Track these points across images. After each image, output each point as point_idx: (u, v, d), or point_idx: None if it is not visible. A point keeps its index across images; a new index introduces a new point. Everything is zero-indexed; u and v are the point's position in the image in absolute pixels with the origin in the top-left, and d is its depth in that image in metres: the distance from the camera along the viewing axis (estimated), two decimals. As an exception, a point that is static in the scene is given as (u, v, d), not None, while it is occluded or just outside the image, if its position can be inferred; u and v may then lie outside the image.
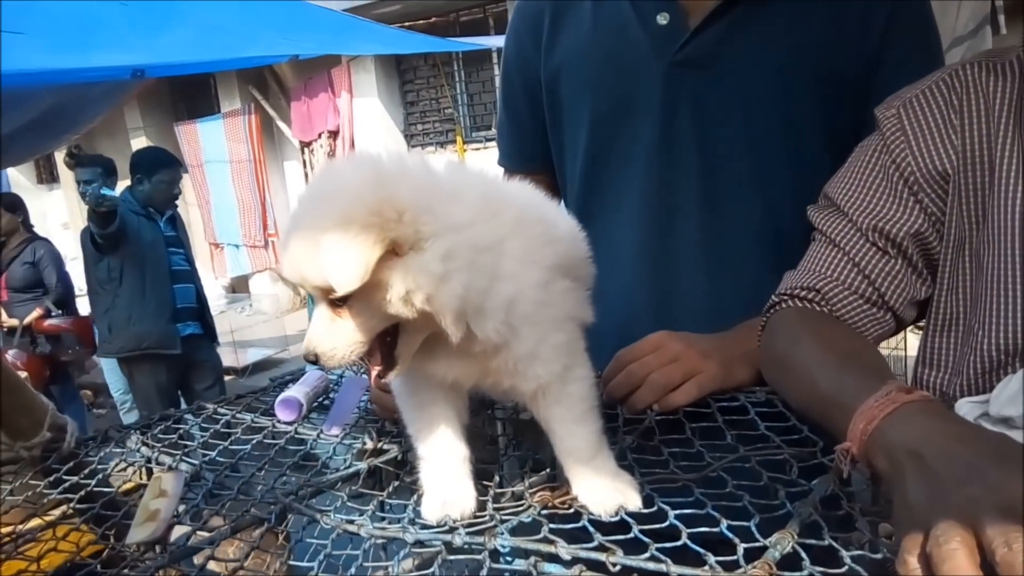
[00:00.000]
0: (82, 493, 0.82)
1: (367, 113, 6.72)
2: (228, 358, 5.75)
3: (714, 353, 0.91)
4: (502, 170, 1.22)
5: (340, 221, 0.56)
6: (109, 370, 4.00)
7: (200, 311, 3.84)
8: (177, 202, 3.88)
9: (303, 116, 7.09)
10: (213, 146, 7.39)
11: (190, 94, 8.28)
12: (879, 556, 0.51)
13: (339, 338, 0.61)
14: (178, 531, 0.73)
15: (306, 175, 7.39)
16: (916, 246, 0.81)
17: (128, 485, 0.90)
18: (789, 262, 0.92)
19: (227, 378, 5.24)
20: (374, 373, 0.65)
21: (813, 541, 0.53)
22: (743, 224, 0.99)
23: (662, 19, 0.97)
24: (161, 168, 3.67)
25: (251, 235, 7.44)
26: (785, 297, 0.88)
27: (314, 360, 0.62)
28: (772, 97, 0.96)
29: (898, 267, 0.82)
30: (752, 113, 0.97)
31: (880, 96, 0.91)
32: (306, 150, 7.28)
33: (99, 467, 0.89)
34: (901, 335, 2.70)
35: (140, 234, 3.56)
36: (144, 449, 0.91)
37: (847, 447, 0.60)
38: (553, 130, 1.12)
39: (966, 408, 0.73)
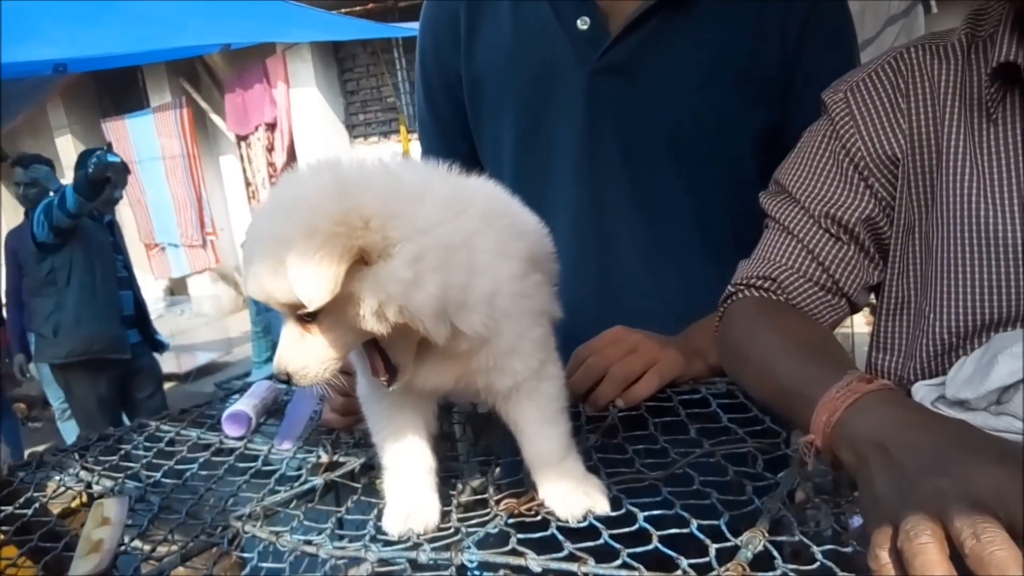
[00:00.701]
0: (18, 524, 0.77)
1: (305, 104, 6.56)
2: (169, 363, 5.57)
3: (671, 343, 0.92)
4: None
5: (304, 234, 0.53)
6: (48, 381, 3.83)
7: (139, 318, 3.71)
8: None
9: (238, 108, 6.89)
10: (144, 142, 7.12)
11: (117, 89, 7.95)
12: (848, 550, 0.51)
13: (311, 356, 0.59)
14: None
15: (243, 169, 7.19)
16: (868, 231, 0.82)
17: (66, 507, 0.86)
18: (723, 257, 0.95)
19: (169, 384, 5.10)
20: (380, 382, 0.63)
21: (784, 538, 0.53)
22: (675, 224, 1.00)
23: (582, 24, 0.97)
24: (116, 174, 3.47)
25: (188, 234, 7.22)
26: (741, 287, 0.88)
27: (286, 380, 0.60)
28: (694, 101, 0.97)
29: (851, 253, 0.83)
30: (675, 117, 0.97)
31: (799, 96, 0.96)
32: (243, 144, 7.08)
33: (36, 494, 0.83)
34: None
35: (89, 233, 3.42)
36: (83, 473, 0.86)
37: (811, 439, 0.60)
38: (477, 131, 1.10)
39: (923, 392, 0.74)
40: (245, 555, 0.66)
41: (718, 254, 0.98)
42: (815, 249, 0.83)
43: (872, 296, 0.87)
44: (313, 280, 0.53)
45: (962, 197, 0.74)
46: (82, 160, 3.15)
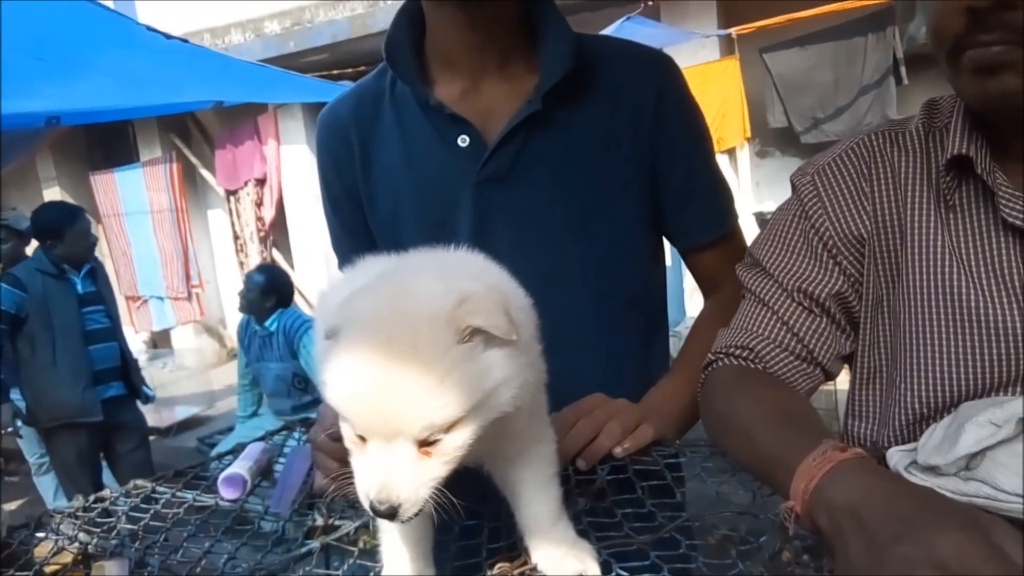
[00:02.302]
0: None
1: (295, 160, 6.66)
2: (151, 417, 5.48)
3: (649, 409, 1.00)
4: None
5: (461, 331, 0.56)
6: (24, 436, 3.78)
7: (124, 370, 3.66)
8: (96, 254, 3.73)
9: (228, 164, 6.97)
10: (132, 196, 7.15)
11: (107, 142, 8.02)
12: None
13: (424, 480, 0.55)
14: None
15: (232, 223, 7.23)
16: (838, 305, 0.87)
17: (60, 568, 0.86)
18: (619, 320, 1.10)
19: (151, 439, 5.02)
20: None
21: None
22: (572, 300, 1.08)
23: (462, 142, 1.07)
24: (69, 224, 3.49)
25: (174, 286, 7.20)
26: (720, 355, 0.92)
27: (391, 513, 0.55)
28: (569, 196, 1.08)
29: (823, 325, 0.88)
30: (556, 212, 1.08)
31: (662, 176, 1.09)
32: (231, 198, 7.13)
33: (34, 559, 0.84)
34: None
35: (46, 300, 3.38)
36: (82, 535, 0.87)
37: (791, 506, 0.63)
38: (380, 242, 1.17)
39: (896, 457, 0.78)
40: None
41: (614, 318, 1.10)
42: (789, 321, 0.88)
43: (843, 366, 0.92)
44: (502, 319, 0.56)
45: (934, 273, 0.79)
46: None
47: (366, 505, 0.56)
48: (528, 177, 1.07)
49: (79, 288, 3.53)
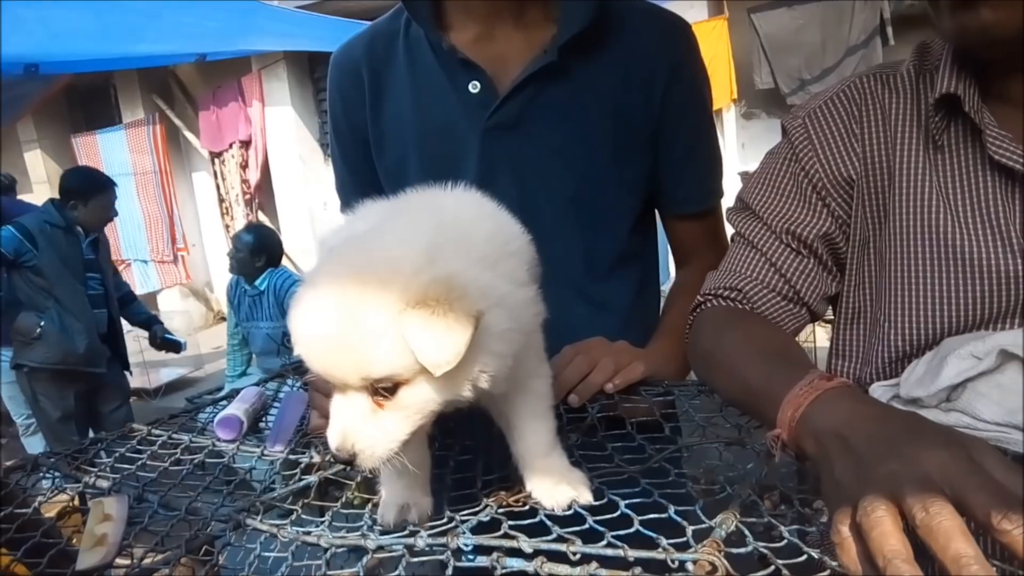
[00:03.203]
0: (17, 524, 0.79)
1: (280, 122, 6.58)
2: (139, 379, 5.50)
3: (644, 352, 1.02)
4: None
5: (415, 300, 0.54)
6: (9, 397, 3.78)
7: (112, 337, 3.70)
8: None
9: (212, 126, 6.88)
10: (115, 158, 7.07)
11: (88, 104, 7.89)
12: (813, 529, 0.56)
13: (381, 434, 0.57)
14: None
15: (217, 186, 7.16)
16: (825, 246, 0.88)
17: (63, 507, 0.87)
18: (605, 276, 1.12)
19: (137, 401, 5.03)
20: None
21: (754, 519, 0.58)
22: (564, 251, 1.10)
23: (473, 88, 1.07)
24: (97, 192, 3.53)
25: (159, 250, 7.16)
26: (709, 296, 0.94)
27: (349, 460, 0.57)
28: (576, 149, 1.09)
29: (810, 266, 0.89)
30: (560, 164, 1.09)
31: (667, 143, 1.11)
32: (216, 160, 7.06)
33: (31, 496, 0.85)
34: (810, 329, 2.88)
35: (56, 248, 3.40)
36: (79, 474, 0.88)
37: (777, 433, 0.65)
38: (385, 185, 1.18)
39: (879, 392, 0.80)
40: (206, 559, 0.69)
41: (608, 269, 1.13)
42: (777, 262, 0.90)
43: (830, 307, 0.94)
44: (442, 345, 0.53)
45: (921, 213, 0.80)
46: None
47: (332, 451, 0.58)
48: (536, 128, 1.07)
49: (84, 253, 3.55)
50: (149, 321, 4.14)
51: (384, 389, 0.56)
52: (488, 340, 0.58)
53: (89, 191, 3.51)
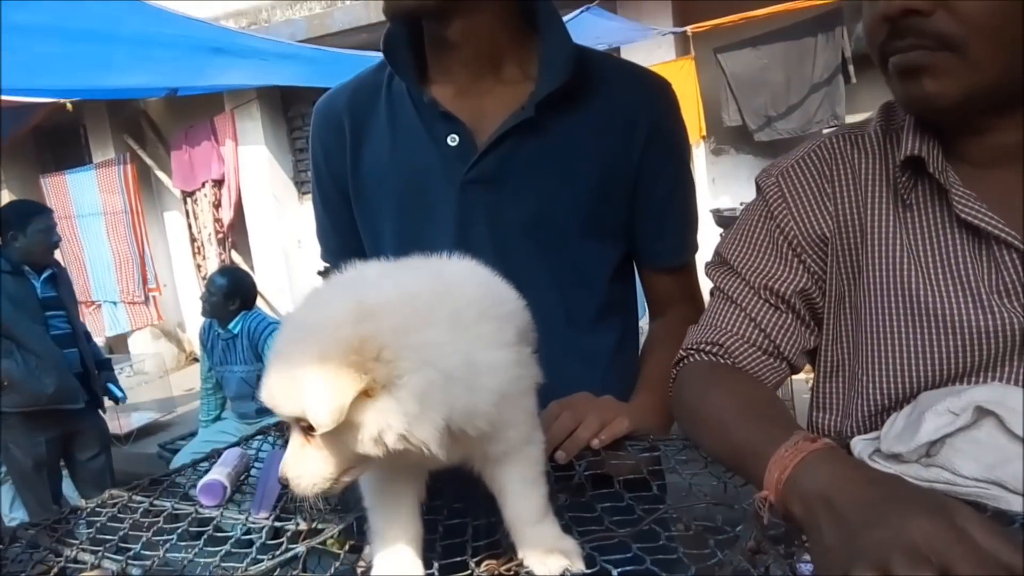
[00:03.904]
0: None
1: (254, 161, 6.57)
2: (110, 424, 5.36)
3: (629, 406, 1.04)
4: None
5: (320, 356, 0.57)
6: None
7: (84, 377, 3.59)
8: (58, 258, 3.65)
9: (184, 165, 6.84)
10: (84, 198, 6.99)
11: (58, 144, 7.82)
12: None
13: (307, 467, 0.62)
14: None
15: (189, 225, 7.10)
16: (803, 301, 0.91)
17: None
18: (585, 327, 1.12)
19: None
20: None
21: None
22: (543, 304, 1.08)
23: (452, 141, 1.08)
24: (32, 218, 3.42)
25: (129, 290, 7.05)
26: (691, 351, 0.95)
27: (285, 484, 0.63)
28: (553, 204, 1.09)
29: (789, 320, 0.91)
30: (538, 218, 1.10)
31: (645, 196, 1.12)
32: (188, 200, 7.01)
33: (12, 571, 0.83)
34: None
35: (8, 296, 3.30)
36: (59, 547, 0.86)
37: (765, 495, 0.66)
38: (363, 234, 1.20)
39: (860, 446, 0.81)
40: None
41: (590, 323, 1.14)
42: (757, 317, 0.91)
43: (808, 360, 0.96)
44: (323, 405, 0.56)
45: (892, 270, 0.83)
46: None
47: None
48: (514, 182, 1.08)
49: (38, 292, 3.46)
50: (102, 364, 4.03)
51: (305, 428, 0.61)
52: (409, 402, 0.58)
53: (24, 218, 3.42)
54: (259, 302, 6.67)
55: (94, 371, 3.72)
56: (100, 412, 3.78)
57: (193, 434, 4.37)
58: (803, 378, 4.27)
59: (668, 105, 1.15)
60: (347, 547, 0.80)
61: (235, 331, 3.75)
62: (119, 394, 3.99)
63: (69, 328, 3.57)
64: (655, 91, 1.14)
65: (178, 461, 3.41)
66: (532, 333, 0.79)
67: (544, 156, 1.08)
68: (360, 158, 1.15)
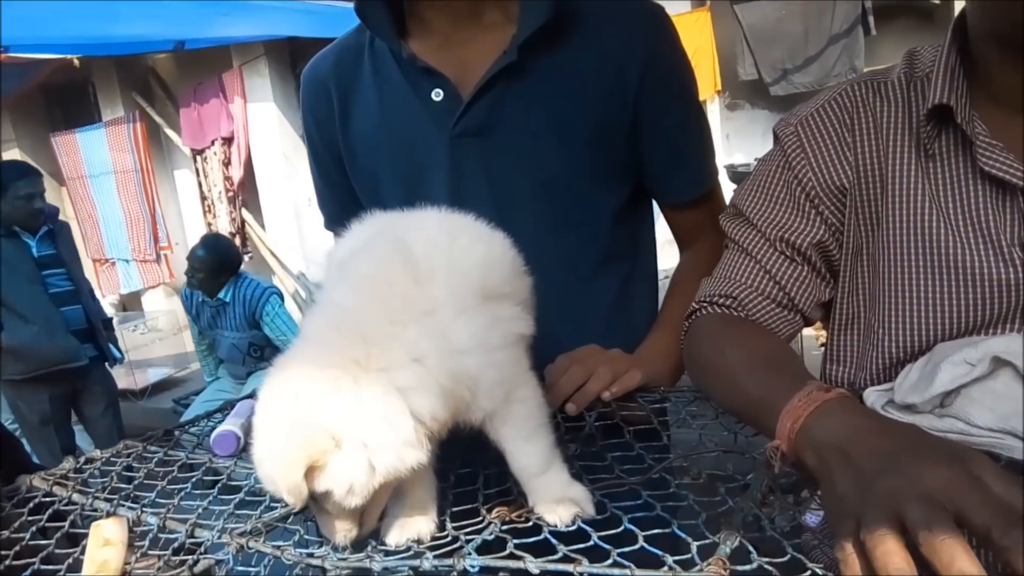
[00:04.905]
0: (16, 549, 0.78)
1: (263, 119, 6.51)
2: (124, 380, 5.47)
3: (640, 358, 1.02)
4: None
5: (270, 450, 0.62)
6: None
7: (90, 333, 3.60)
8: (59, 217, 3.63)
9: (194, 123, 6.80)
10: (95, 157, 6.98)
11: (67, 103, 7.78)
12: (818, 532, 0.57)
13: (330, 528, 0.66)
14: None
15: (199, 183, 7.09)
16: (819, 254, 0.89)
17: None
18: (587, 280, 1.10)
19: (123, 402, 4.99)
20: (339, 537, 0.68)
21: (758, 535, 0.59)
22: (542, 259, 1.05)
23: (436, 96, 1.05)
24: (14, 183, 3.32)
25: (141, 249, 7.09)
26: (704, 304, 0.94)
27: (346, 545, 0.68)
28: (547, 152, 1.05)
29: (804, 273, 0.90)
30: (532, 168, 1.06)
31: (648, 138, 1.07)
32: (198, 158, 6.98)
33: (30, 519, 0.85)
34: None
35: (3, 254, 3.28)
36: (76, 496, 0.88)
37: (777, 445, 0.66)
38: (362, 197, 1.18)
39: (873, 397, 0.81)
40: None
41: (582, 277, 1.11)
42: (772, 269, 0.90)
43: (822, 312, 0.94)
44: (283, 491, 0.61)
45: (914, 221, 0.81)
46: None
47: None
48: (504, 131, 1.05)
49: (35, 251, 3.42)
50: (104, 324, 3.99)
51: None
52: (354, 457, 0.61)
53: (6, 181, 3.31)
54: (270, 260, 6.72)
55: (100, 327, 3.71)
56: (107, 367, 3.78)
57: (198, 392, 4.42)
58: (811, 333, 4.26)
59: (662, 33, 1.08)
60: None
61: (225, 299, 3.72)
62: (117, 355, 3.97)
63: (71, 285, 3.53)
64: (646, 20, 1.07)
65: (186, 418, 3.43)
66: (518, 281, 0.78)
67: (533, 102, 1.04)
68: (349, 122, 1.13)
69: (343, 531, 0.66)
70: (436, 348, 0.64)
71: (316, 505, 0.65)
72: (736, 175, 4.04)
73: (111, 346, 3.96)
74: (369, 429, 0.61)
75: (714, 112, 5.39)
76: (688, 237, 1.19)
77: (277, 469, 0.61)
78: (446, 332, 0.65)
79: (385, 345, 0.63)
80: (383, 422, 0.61)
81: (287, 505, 0.80)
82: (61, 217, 3.69)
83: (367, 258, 0.70)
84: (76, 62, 5.19)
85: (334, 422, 0.61)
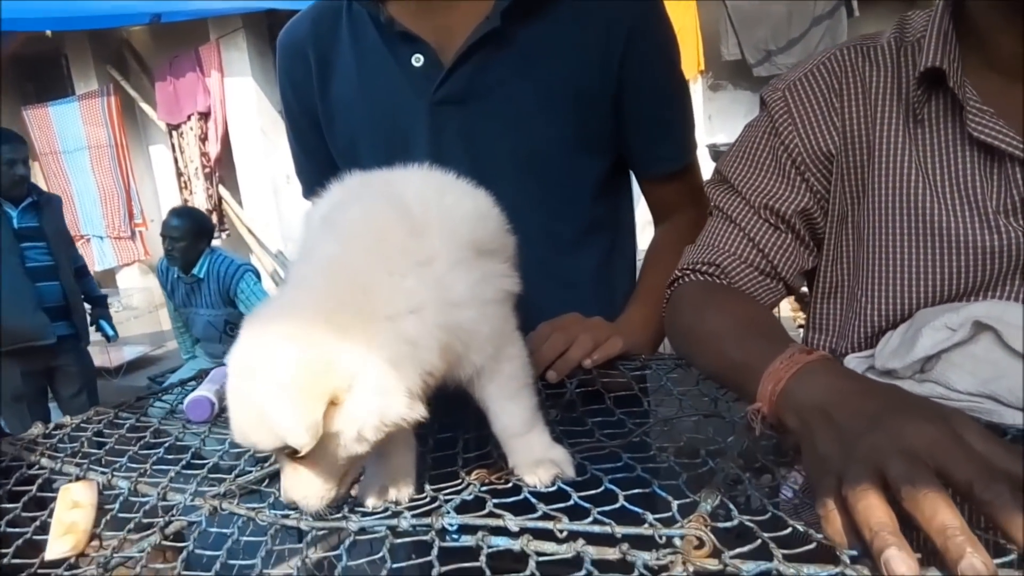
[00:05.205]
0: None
1: (240, 93, 6.40)
2: (99, 358, 5.39)
3: (621, 327, 1.01)
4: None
5: (279, 386, 0.56)
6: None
7: (66, 309, 3.52)
8: (43, 189, 3.54)
9: (169, 97, 6.66)
10: (68, 131, 6.84)
11: (40, 75, 7.58)
12: (796, 501, 0.56)
13: (308, 487, 0.61)
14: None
15: (175, 159, 6.97)
16: (803, 221, 0.89)
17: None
18: (567, 251, 1.09)
19: (99, 380, 4.93)
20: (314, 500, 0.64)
21: (737, 493, 0.58)
22: (523, 231, 1.04)
23: (416, 62, 1.03)
24: None
25: (115, 226, 6.97)
26: (687, 271, 0.93)
27: (295, 508, 0.63)
28: (528, 121, 1.04)
29: (788, 240, 0.89)
30: (514, 136, 1.05)
31: (632, 108, 1.06)
32: (174, 133, 6.85)
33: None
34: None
35: None
36: (45, 460, 0.86)
37: (758, 407, 0.65)
38: (340, 163, 1.15)
39: (853, 363, 0.81)
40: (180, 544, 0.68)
41: (570, 242, 1.10)
42: (755, 237, 0.90)
43: (805, 281, 0.94)
44: (298, 428, 0.55)
45: (900, 187, 0.80)
46: None
47: None
48: (485, 99, 1.03)
49: (15, 222, 3.35)
50: (97, 301, 3.99)
51: (290, 453, 0.58)
52: (372, 394, 0.58)
53: None
54: (248, 238, 6.64)
55: (79, 305, 3.63)
56: (84, 347, 3.71)
57: (175, 370, 4.37)
58: (789, 314, 4.29)
59: (648, 2, 1.07)
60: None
61: (200, 275, 3.67)
62: (110, 332, 3.95)
63: (49, 260, 3.45)
64: None
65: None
66: (503, 239, 0.77)
67: (516, 70, 1.02)
68: (328, 87, 1.11)
69: (323, 491, 0.62)
70: (434, 300, 0.62)
71: (290, 464, 0.62)
72: (718, 155, 4.03)
73: (104, 322, 3.91)
74: (383, 375, 0.58)
75: (697, 92, 5.38)
76: (666, 211, 1.19)
77: (293, 404, 0.55)
78: (443, 283, 0.63)
79: (387, 295, 0.60)
80: (397, 370, 0.58)
81: (263, 467, 0.79)
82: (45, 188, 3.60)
83: (357, 210, 0.68)
84: (48, 33, 5.04)
85: (349, 363, 0.57)
